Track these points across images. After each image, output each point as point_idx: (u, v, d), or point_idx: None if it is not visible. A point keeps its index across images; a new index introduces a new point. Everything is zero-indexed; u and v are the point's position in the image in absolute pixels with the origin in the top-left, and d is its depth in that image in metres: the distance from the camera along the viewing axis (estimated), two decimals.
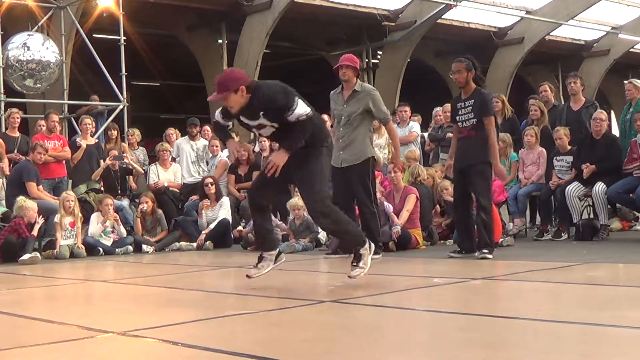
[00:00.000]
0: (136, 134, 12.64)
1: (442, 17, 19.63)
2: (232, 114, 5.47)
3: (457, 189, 7.71)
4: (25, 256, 8.72)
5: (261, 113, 5.33)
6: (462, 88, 7.47)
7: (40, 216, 9.36)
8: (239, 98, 5.27)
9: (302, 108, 5.26)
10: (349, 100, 7.70)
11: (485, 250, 7.24)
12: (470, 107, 7.36)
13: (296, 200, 9.32)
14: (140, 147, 12.73)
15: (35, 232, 9.16)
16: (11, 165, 10.50)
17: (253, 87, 5.32)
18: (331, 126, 7.93)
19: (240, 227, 10.42)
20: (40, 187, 10.11)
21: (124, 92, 14.09)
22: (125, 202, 10.85)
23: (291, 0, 17.08)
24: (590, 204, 9.07)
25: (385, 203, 8.64)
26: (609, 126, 9.85)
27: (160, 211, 10.50)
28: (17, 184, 9.94)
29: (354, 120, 7.64)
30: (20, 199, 9.40)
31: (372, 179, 7.84)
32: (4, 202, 10.13)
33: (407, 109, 11.82)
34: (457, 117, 7.51)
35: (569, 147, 9.30)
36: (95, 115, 13.55)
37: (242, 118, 5.48)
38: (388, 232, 8.34)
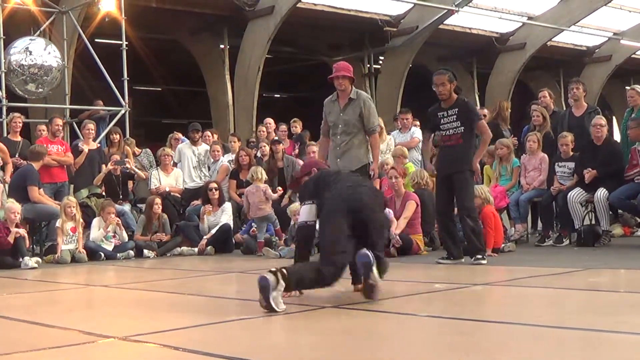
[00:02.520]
0: (133, 144, 12.50)
1: (444, 22, 19.63)
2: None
3: (441, 196, 7.65)
4: (24, 265, 8.72)
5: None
6: (445, 100, 7.45)
7: (21, 218, 9.15)
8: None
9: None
10: (345, 109, 7.61)
11: (478, 256, 7.23)
12: (455, 116, 7.37)
13: (297, 205, 9.29)
14: (145, 149, 12.68)
15: (11, 239, 8.87)
16: (13, 170, 10.50)
17: None
18: (322, 134, 7.87)
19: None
20: (41, 190, 10.11)
21: (126, 97, 14.10)
22: (127, 207, 10.86)
23: (293, 6, 17.09)
24: (592, 209, 9.06)
25: (387, 209, 8.62)
26: (611, 132, 9.85)
27: (165, 215, 10.48)
28: (20, 188, 9.93)
29: (352, 127, 7.57)
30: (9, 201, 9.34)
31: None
32: None
33: (409, 116, 11.83)
34: (441, 127, 7.50)
35: (572, 153, 9.30)
36: (97, 120, 13.56)
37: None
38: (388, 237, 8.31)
